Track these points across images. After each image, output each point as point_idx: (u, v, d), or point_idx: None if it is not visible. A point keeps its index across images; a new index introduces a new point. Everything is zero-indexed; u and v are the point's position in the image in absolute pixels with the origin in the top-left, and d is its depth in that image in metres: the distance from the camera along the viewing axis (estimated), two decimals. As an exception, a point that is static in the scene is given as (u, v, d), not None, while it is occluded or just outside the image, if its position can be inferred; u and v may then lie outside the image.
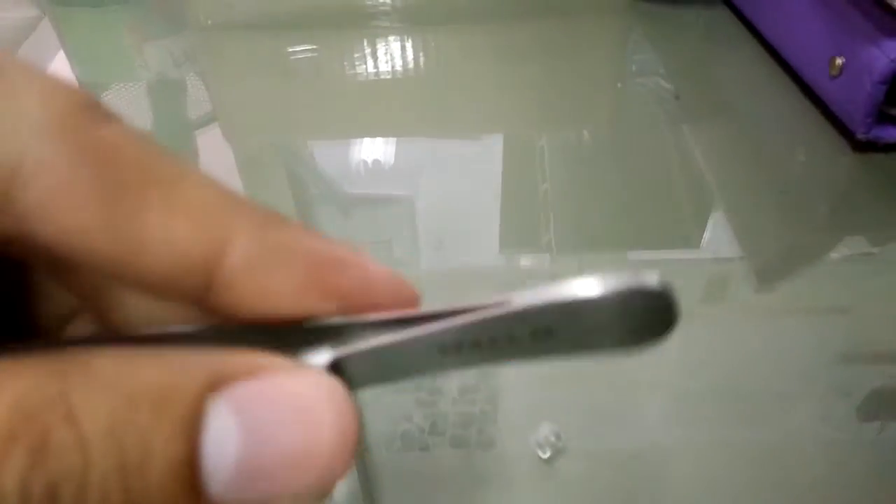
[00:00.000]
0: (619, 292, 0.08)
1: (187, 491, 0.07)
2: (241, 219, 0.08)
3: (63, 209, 0.07)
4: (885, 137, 0.28)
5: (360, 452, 0.21)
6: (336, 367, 0.09)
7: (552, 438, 0.20)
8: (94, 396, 0.07)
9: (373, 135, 0.33)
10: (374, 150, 0.32)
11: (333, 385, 0.08)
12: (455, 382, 0.22)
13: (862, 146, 0.29)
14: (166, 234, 0.08)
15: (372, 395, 0.22)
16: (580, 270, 0.26)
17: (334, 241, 0.09)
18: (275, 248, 0.08)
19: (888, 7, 0.26)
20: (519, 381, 0.22)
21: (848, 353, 0.22)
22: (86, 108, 0.08)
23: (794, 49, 0.33)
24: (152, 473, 0.07)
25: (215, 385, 0.07)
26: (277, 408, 0.08)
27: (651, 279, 0.08)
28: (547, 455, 0.20)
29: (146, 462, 0.07)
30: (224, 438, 0.07)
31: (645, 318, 0.08)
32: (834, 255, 0.26)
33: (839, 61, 0.29)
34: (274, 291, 0.08)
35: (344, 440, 0.08)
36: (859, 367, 0.22)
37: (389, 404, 0.21)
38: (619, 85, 0.36)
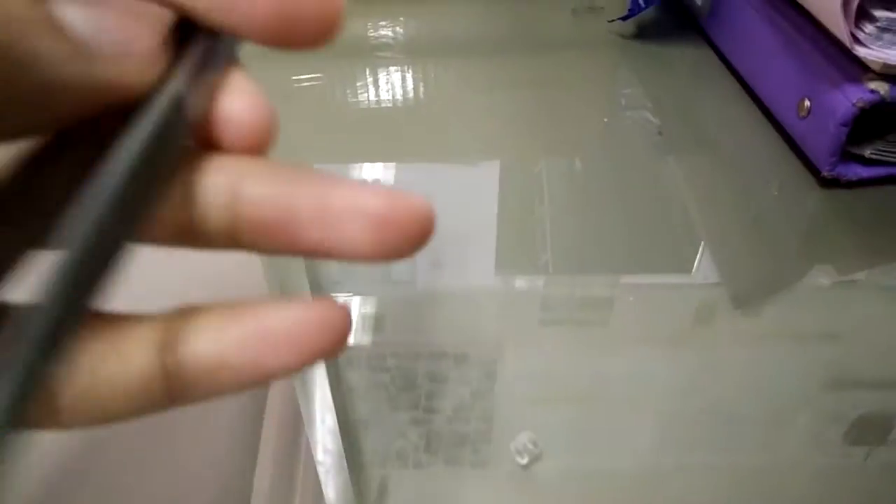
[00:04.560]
0: None
1: None
2: None
3: None
4: (847, 175, 0.30)
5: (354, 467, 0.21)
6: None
7: (530, 446, 0.21)
8: None
9: (373, 160, 0.35)
10: (373, 174, 0.34)
11: None
12: (449, 402, 0.23)
13: (827, 182, 0.31)
14: None
15: (367, 414, 0.23)
16: (572, 292, 0.27)
17: None
18: None
19: (850, 53, 0.28)
20: (511, 401, 0.23)
21: (836, 378, 0.23)
22: None
23: (768, 90, 0.36)
24: None
25: None
26: None
27: None
28: (525, 461, 0.21)
29: None
30: None
31: None
32: (822, 281, 0.27)
33: (807, 103, 0.31)
34: None
35: None
36: (847, 392, 0.22)
37: (385, 422, 0.22)
38: (605, 120, 0.38)
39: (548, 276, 0.28)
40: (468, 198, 0.32)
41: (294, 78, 0.40)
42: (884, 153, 0.30)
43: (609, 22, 0.44)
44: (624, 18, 0.43)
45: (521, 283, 0.28)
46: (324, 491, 0.21)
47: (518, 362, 0.24)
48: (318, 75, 0.41)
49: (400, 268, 0.29)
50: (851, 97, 0.28)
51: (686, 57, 0.42)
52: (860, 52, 0.27)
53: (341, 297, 0.27)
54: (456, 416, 0.23)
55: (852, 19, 0.27)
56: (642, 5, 0.41)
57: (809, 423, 0.22)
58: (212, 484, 0.21)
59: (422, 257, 0.29)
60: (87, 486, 0.20)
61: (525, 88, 0.40)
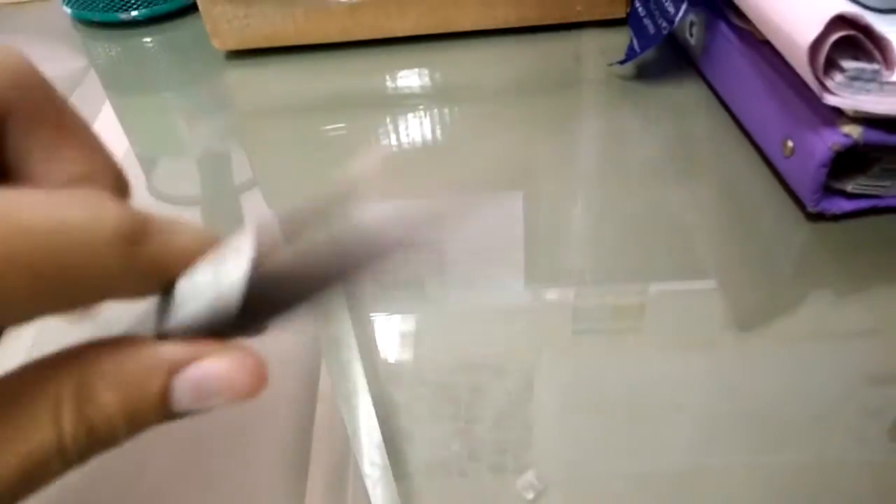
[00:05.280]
0: None
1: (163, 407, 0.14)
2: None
3: None
4: (831, 209, 0.33)
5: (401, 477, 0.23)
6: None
7: (535, 482, 0.23)
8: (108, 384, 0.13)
9: (397, 196, 0.38)
10: (406, 203, 0.37)
11: (250, 358, 0.15)
12: (490, 411, 0.25)
13: (813, 216, 0.34)
14: None
15: (412, 426, 0.25)
16: (603, 302, 0.30)
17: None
18: None
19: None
20: (550, 408, 0.25)
21: (877, 374, 0.23)
22: None
23: (757, 128, 0.38)
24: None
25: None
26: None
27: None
28: (531, 496, 0.23)
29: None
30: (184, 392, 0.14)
31: None
32: (856, 278, 0.29)
33: (790, 143, 0.34)
34: None
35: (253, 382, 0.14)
36: (889, 388, 0.23)
37: (429, 433, 0.24)
38: (606, 155, 0.41)
39: (562, 289, 0.31)
40: (494, 222, 0.36)
41: (322, 128, 0.44)
42: (866, 187, 0.33)
43: (608, 65, 0.47)
44: (622, 62, 0.46)
45: (551, 294, 0.31)
46: (371, 501, 0.22)
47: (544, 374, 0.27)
48: (344, 125, 0.45)
49: (433, 287, 0.32)
50: (827, 140, 0.31)
51: (683, 95, 0.45)
52: (830, 100, 0.30)
53: (380, 316, 0.30)
54: (498, 425, 0.24)
55: (820, 70, 0.30)
56: (637, 51, 0.44)
57: (886, 421, 0.22)
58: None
59: (454, 276, 0.32)
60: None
61: (536, 126, 0.43)
